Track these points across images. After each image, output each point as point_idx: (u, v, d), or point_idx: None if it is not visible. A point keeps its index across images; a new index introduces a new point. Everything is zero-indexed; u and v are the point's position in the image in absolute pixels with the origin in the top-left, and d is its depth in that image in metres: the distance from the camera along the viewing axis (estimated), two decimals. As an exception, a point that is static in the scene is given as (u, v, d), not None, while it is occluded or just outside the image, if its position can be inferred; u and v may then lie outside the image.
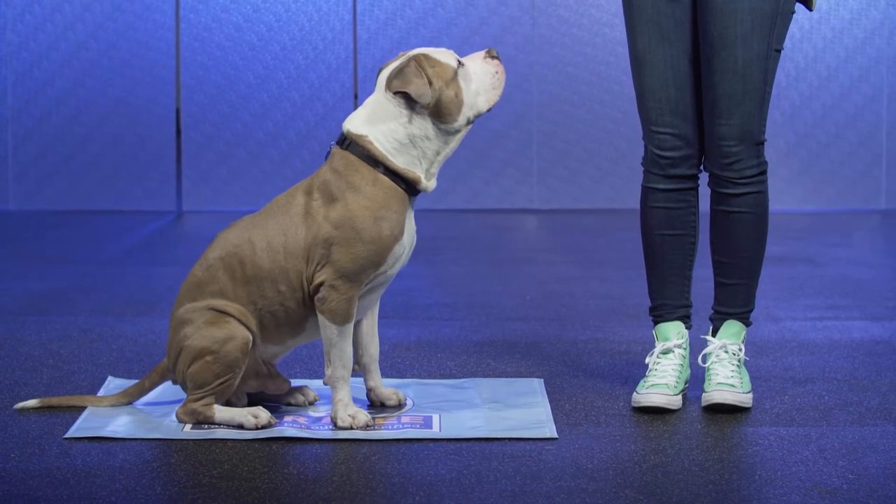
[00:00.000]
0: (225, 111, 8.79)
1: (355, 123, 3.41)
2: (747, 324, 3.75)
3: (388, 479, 3.00)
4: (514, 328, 4.74)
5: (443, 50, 3.43)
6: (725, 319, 3.73)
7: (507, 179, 8.86)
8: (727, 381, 3.60)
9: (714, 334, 3.73)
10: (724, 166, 3.61)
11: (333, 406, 3.43)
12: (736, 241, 3.68)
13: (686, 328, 3.75)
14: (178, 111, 8.84)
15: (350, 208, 3.35)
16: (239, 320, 3.40)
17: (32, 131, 8.79)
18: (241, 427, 3.36)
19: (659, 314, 3.75)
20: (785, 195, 8.71)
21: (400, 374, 4.01)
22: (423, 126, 3.39)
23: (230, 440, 3.28)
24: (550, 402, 3.66)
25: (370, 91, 8.80)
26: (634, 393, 3.63)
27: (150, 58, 8.75)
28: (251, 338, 3.41)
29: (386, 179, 3.38)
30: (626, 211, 8.54)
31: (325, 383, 3.45)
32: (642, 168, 3.73)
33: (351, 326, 3.42)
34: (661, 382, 3.60)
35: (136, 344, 4.45)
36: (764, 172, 3.64)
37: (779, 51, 3.58)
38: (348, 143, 3.40)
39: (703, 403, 3.61)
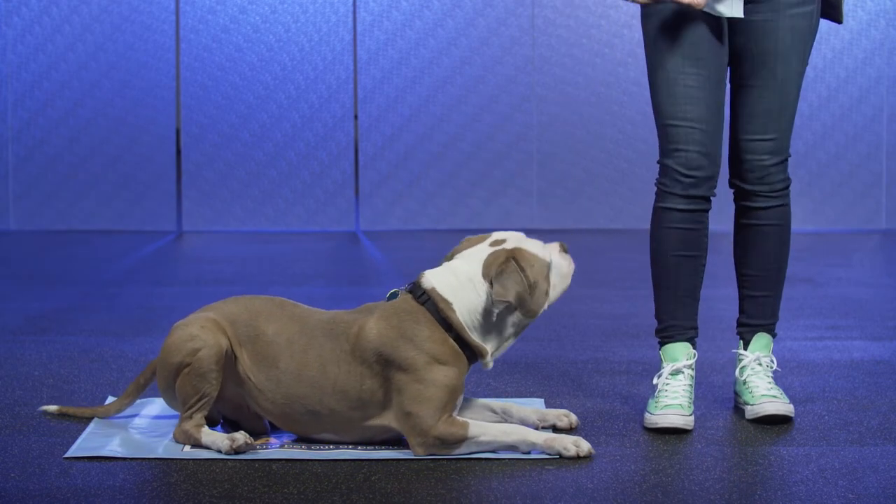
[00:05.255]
0: (225, 131, 8.81)
1: (442, 286, 3.34)
2: (774, 335, 3.79)
3: (388, 499, 2.99)
4: (514, 348, 4.74)
5: (535, 242, 3.38)
6: (755, 332, 3.78)
7: (507, 199, 8.87)
8: (769, 392, 3.65)
9: (745, 347, 3.76)
10: (756, 180, 3.69)
11: (548, 449, 3.31)
12: (764, 253, 3.75)
13: (692, 349, 3.74)
14: (178, 131, 8.86)
15: (415, 364, 3.28)
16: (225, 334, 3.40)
17: (33, 151, 8.80)
18: (219, 451, 3.33)
19: (669, 335, 3.73)
20: (785, 215, 8.72)
21: (400, 394, 4.00)
22: (507, 316, 3.36)
23: (230, 460, 3.28)
24: (550, 421, 3.65)
25: (370, 111, 8.85)
26: (647, 414, 3.61)
27: (151, 78, 8.77)
28: (224, 347, 3.37)
29: (455, 344, 3.33)
30: (627, 231, 8.54)
31: (524, 452, 3.33)
32: (657, 189, 3.70)
33: (467, 431, 3.29)
34: (675, 403, 3.59)
35: (136, 364, 4.44)
36: (788, 187, 3.74)
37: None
38: (427, 299, 3.34)
39: (752, 416, 3.64)
